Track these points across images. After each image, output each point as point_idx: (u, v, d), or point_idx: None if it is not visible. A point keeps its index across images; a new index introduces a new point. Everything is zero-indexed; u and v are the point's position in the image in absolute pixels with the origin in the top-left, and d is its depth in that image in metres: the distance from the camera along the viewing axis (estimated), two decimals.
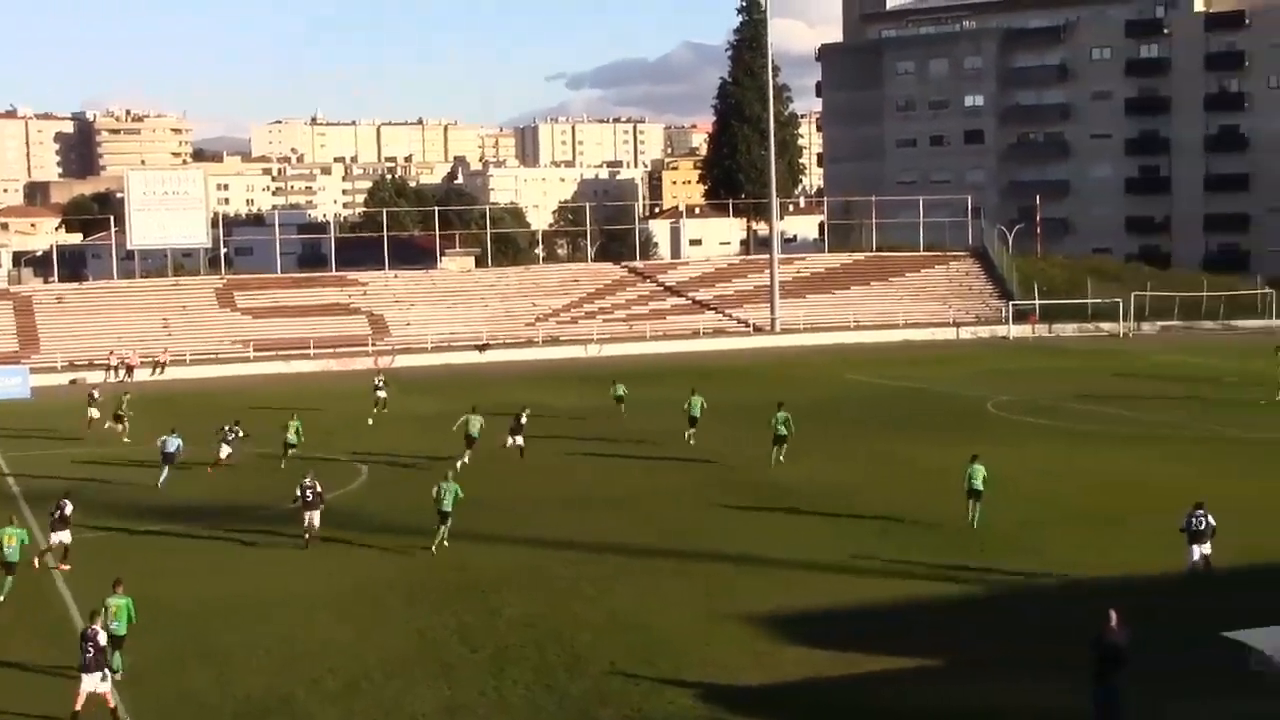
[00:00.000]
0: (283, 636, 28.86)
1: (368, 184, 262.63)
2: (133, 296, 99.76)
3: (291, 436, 49.99)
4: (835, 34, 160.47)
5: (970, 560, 33.93)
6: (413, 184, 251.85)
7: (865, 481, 44.35)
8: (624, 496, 43.10)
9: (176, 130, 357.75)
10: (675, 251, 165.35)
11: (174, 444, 47.29)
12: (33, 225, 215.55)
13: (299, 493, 37.72)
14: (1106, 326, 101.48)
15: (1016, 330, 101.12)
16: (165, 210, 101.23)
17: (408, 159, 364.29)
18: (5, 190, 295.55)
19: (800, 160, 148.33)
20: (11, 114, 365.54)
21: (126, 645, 26.14)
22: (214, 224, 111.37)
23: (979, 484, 37.56)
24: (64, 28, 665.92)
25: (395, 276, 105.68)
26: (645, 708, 24.30)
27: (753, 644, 27.69)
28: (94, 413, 61.52)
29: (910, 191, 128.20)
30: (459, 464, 46.70)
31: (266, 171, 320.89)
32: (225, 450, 49.25)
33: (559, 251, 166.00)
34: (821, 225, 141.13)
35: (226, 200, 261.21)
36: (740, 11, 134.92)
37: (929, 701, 24.53)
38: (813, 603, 30.67)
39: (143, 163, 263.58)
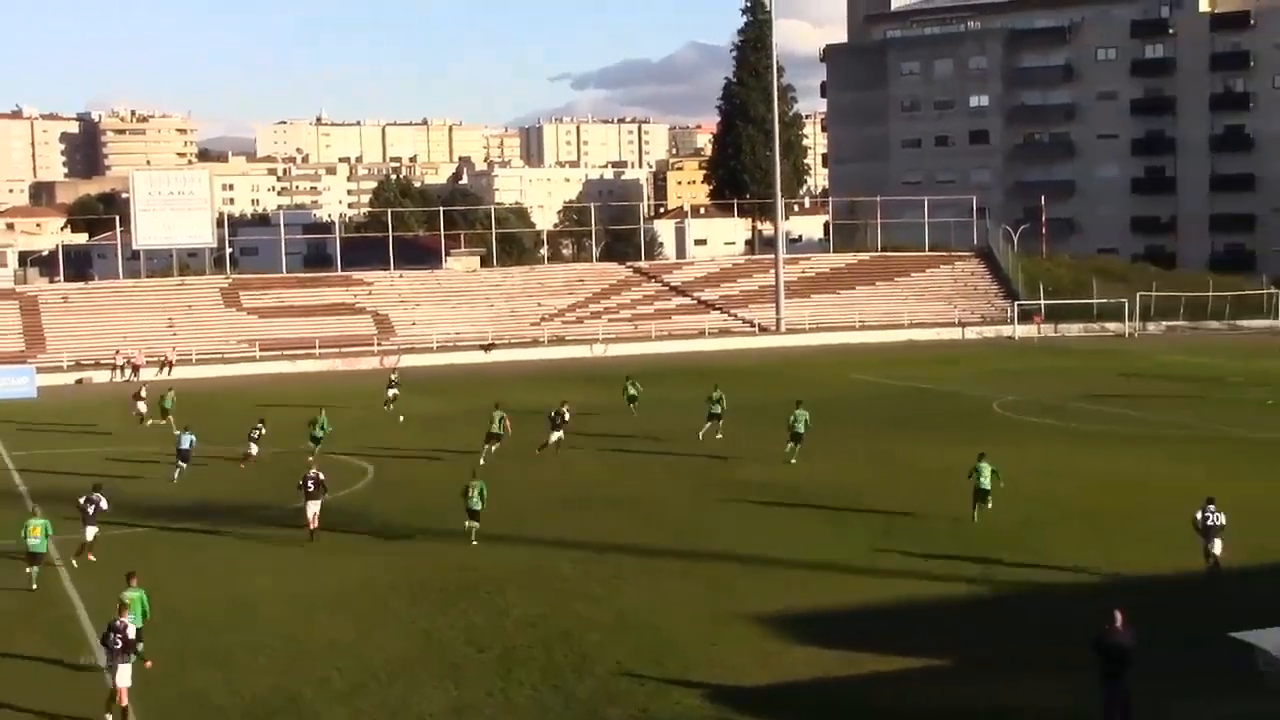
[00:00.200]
0: (288, 636, 28.87)
1: (373, 184, 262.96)
2: (138, 296, 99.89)
3: (319, 430, 51.34)
4: (840, 34, 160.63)
5: (976, 560, 33.91)
6: (418, 184, 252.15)
7: (871, 481, 44.34)
8: (630, 496, 43.10)
9: (181, 130, 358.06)
10: (680, 251, 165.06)
11: (187, 440, 47.93)
12: (38, 225, 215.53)
13: (301, 483, 38.00)
14: (1112, 326, 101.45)
15: (1022, 330, 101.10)
16: (170, 210, 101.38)
17: (413, 159, 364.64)
18: (11, 190, 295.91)
19: (805, 160, 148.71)
20: (17, 114, 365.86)
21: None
22: (219, 224, 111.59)
23: (985, 483, 37.87)
24: (69, 28, 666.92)
25: (400, 276, 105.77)
26: (652, 708, 24.30)
27: (759, 644, 27.69)
28: (142, 408, 62.60)
29: (915, 192, 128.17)
30: (481, 461, 47.74)
31: (271, 172, 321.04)
32: (254, 448, 49.72)
33: (564, 252, 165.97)
34: (826, 225, 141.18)
35: (231, 200, 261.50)
36: (745, 12, 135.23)
37: (935, 702, 24.52)
38: (819, 603, 30.67)
39: (148, 163, 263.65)
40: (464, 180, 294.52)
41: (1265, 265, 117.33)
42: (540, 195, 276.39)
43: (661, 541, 36.78)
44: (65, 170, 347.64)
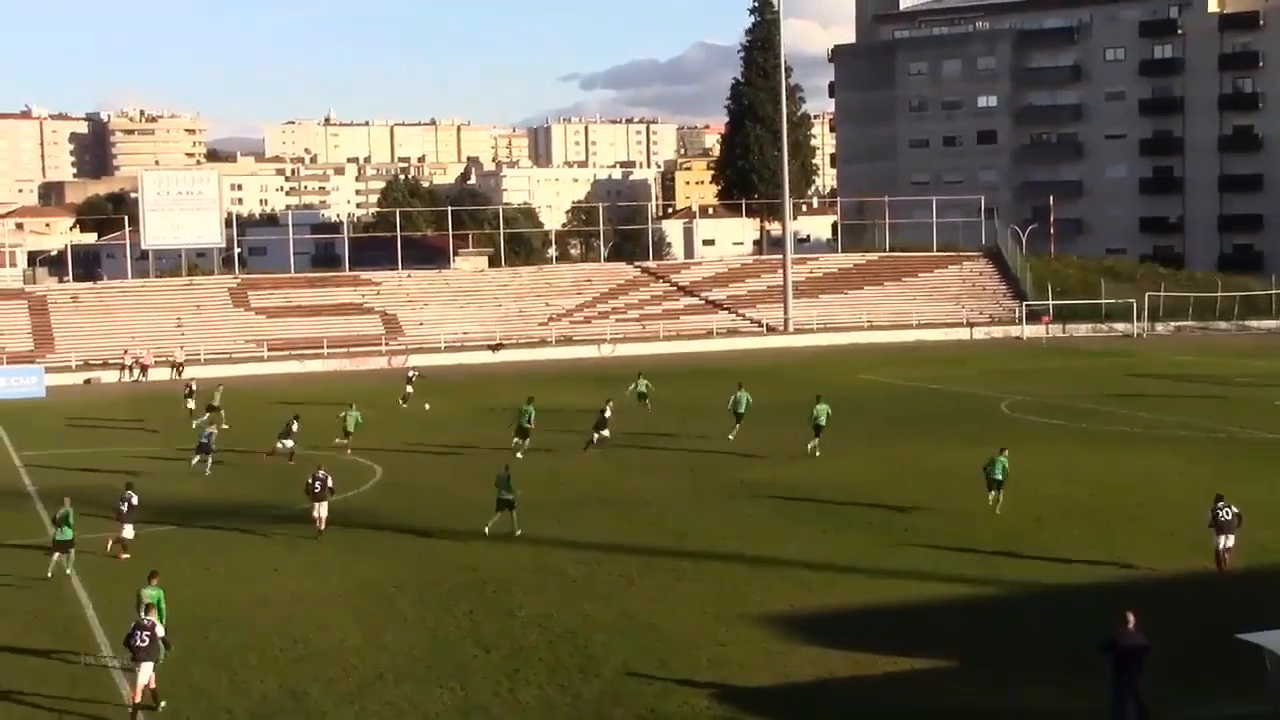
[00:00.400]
0: (295, 636, 28.92)
1: (381, 184, 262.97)
2: (147, 296, 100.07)
3: (350, 425, 52.58)
4: (848, 34, 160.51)
5: (982, 561, 33.92)
6: (426, 184, 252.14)
7: (878, 481, 44.31)
8: (635, 496, 43.11)
9: (190, 130, 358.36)
10: (688, 251, 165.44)
11: (211, 433, 49.84)
12: (47, 225, 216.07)
13: (309, 483, 38.59)
14: (1120, 327, 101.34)
15: (1030, 331, 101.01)
16: (179, 210, 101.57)
17: (421, 159, 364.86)
18: (20, 190, 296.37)
19: (813, 161, 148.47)
20: (26, 114, 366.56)
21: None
22: (228, 224, 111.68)
23: (998, 474, 38.71)
24: (78, 28, 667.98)
25: (409, 276, 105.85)
26: (659, 708, 24.32)
27: (765, 644, 27.71)
28: (192, 404, 63.49)
29: (923, 192, 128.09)
30: (518, 455, 48.94)
31: (280, 172, 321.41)
32: (285, 444, 50.18)
33: (572, 252, 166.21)
34: (835, 225, 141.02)
35: (240, 200, 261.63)
36: (753, 12, 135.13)
37: (941, 703, 24.52)
38: (825, 603, 30.69)
39: (157, 163, 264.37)
40: (472, 180, 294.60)
41: (1274, 266, 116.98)
42: (548, 195, 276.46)
43: (667, 542, 36.81)
44: (74, 170, 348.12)
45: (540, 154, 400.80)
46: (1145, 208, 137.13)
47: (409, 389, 67.22)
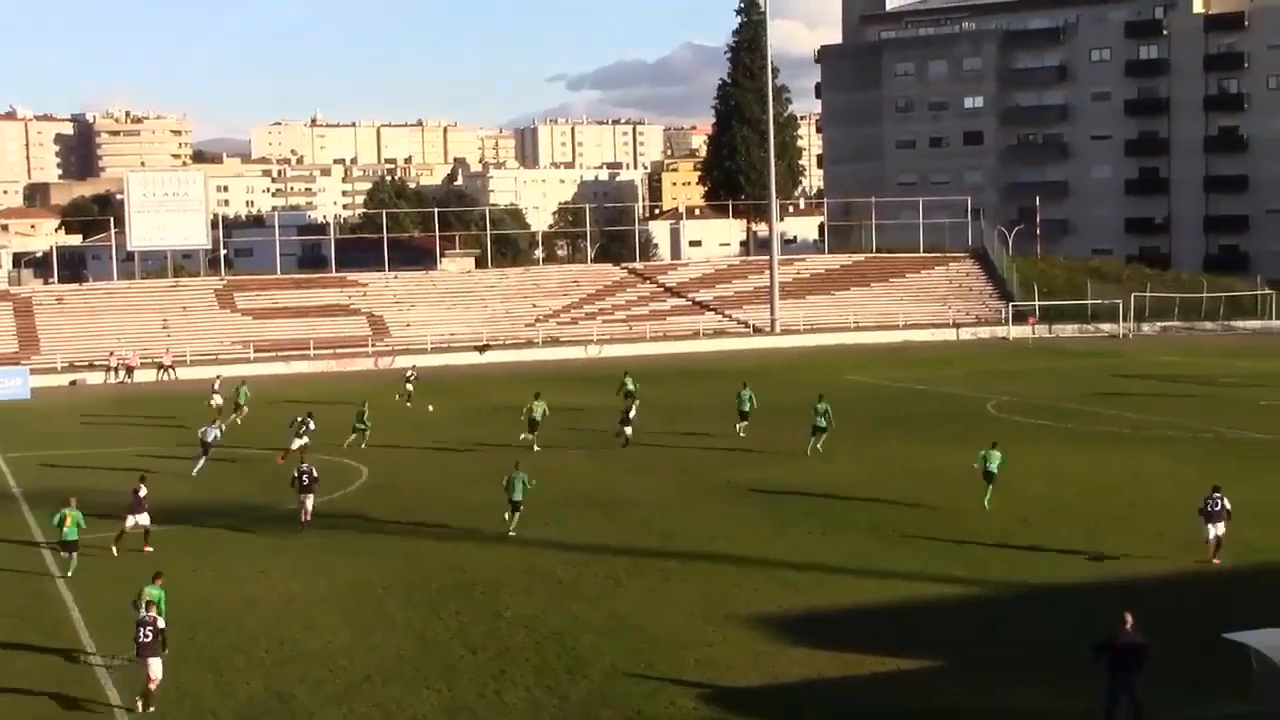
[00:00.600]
0: (282, 638, 28.86)
1: (367, 185, 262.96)
2: (132, 298, 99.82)
3: (361, 424, 53.50)
4: (835, 35, 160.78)
5: (971, 561, 33.96)
6: (412, 185, 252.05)
7: (865, 482, 44.32)
8: (623, 497, 43.08)
9: (176, 132, 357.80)
10: (675, 252, 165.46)
11: (213, 434, 49.51)
12: (32, 227, 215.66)
13: (295, 477, 39.12)
14: (1106, 327, 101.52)
15: (1016, 331, 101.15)
16: (165, 212, 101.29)
17: (407, 160, 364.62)
18: (5, 192, 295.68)
19: (800, 161, 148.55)
20: (11, 115, 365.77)
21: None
22: (214, 225, 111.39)
23: (993, 467, 39.40)
24: (64, 29, 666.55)
25: (395, 278, 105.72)
26: (646, 709, 24.29)
27: (753, 645, 27.70)
28: (217, 400, 63.89)
29: (910, 193, 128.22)
30: (535, 447, 50.54)
31: (266, 173, 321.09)
32: (299, 442, 50.15)
33: (559, 253, 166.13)
34: (821, 226, 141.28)
35: (226, 202, 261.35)
36: (740, 13, 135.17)
37: (930, 703, 24.54)
38: (813, 604, 30.69)
39: (142, 164, 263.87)
40: (459, 181, 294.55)
41: (1259, 266, 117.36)
42: (535, 196, 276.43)
43: (655, 542, 36.79)
44: (59, 172, 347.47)
45: (527, 155, 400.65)
46: (1131, 208, 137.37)
47: (409, 388, 67.60)
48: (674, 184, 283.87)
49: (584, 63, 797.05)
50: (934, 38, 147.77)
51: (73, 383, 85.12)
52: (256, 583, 33.50)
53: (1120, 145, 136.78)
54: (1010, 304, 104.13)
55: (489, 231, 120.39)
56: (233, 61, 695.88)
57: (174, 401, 71.90)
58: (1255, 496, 37.50)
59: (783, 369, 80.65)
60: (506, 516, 37.98)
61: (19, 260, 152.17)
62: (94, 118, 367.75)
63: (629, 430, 52.59)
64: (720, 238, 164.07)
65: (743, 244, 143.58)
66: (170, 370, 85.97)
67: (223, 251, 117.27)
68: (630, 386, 62.63)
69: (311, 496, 39.15)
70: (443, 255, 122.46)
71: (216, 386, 66.14)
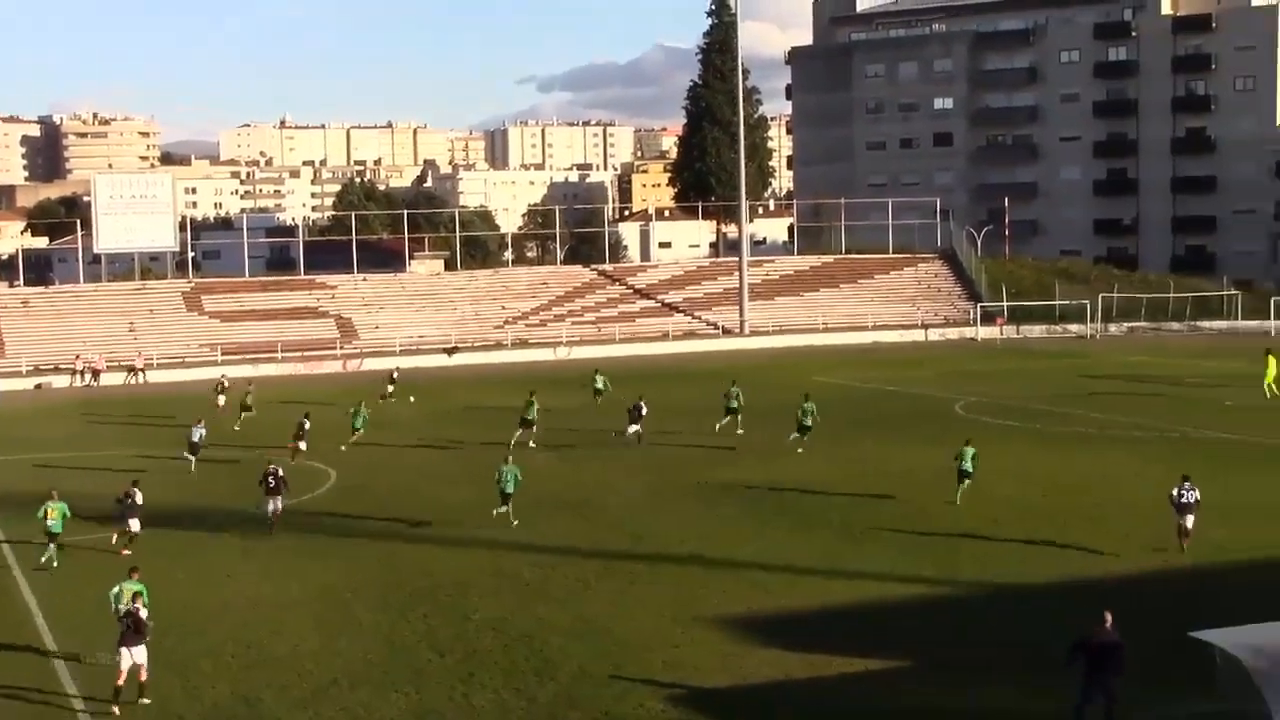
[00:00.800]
0: (250, 642, 28.70)
1: (336, 187, 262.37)
2: (99, 300, 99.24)
3: (358, 422, 53.77)
4: (805, 37, 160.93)
5: (940, 561, 34.00)
6: (382, 187, 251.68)
7: (834, 482, 44.31)
8: (592, 498, 43.00)
9: (144, 134, 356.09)
10: (645, 254, 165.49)
11: (198, 434, 49.86)
12: None
13: (263, 479, 39.26)
14: (1074, 328, 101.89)
15: (985, 332, 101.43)
16: (132, 214, 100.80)
17: (377, 162, 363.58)
18: None
19: (770, 163, 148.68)
20: None
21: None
22: (182, 228, 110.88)
23: (968, 465, 39.99)
24: (30, 30, 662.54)
25: (364, 280, 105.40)
26: (614, 711, 24.24)
27: (722, 646, 27.66)
28: (222, 399, 64.82)
29: (879, 194, 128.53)
30: (530, 444, 50.88)
31: (235, 175, 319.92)
32: (301, 445, 50.51)
33: (528, 254, 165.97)
34: (791, 228, 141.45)
35: (194, 204, 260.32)
36: (710, 14, 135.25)
37: (899, 703, 24.55)
38: (781, 605, 30.68)
39: (110, 166, 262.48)
40: (428, 183, 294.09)
41: (1225, 267, 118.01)
42: (505, 198, 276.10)
43: (623, 544, 36.73)
44: (26, 174, 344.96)
45: (497, 157, 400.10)
46: (1099, 209, 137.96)
47: (390, 388, 67.79)
48: (644, 185, 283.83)
49: (555, 64, 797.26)
50: (904, 39, 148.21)
51: (38, 386, 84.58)
52: (225, 586, 33.32)
53: (1089, 146, 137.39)
54: (979, 305, 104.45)
55: (458, 233, 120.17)
56: (201, 63, 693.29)
57: (142, 404, 71.63)
58: (1222, 496, 37.63)
59: (752, 371, 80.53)
60: (496, 513, 38.41)
61: None
62: (61, 119, 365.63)
63: (638, 428, 52.55)
64: (690, 239, 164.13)
65: (712, 245, 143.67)
66: (141, 374, 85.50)
67: (190, 254, 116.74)
68: (600, 385, 62.86)
69: (279, 498, 39.24)
70: (412, 257, 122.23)
71: (224, 386, 67.23)
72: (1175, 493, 34.08)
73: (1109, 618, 23.02)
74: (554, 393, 68.08)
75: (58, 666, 27.37)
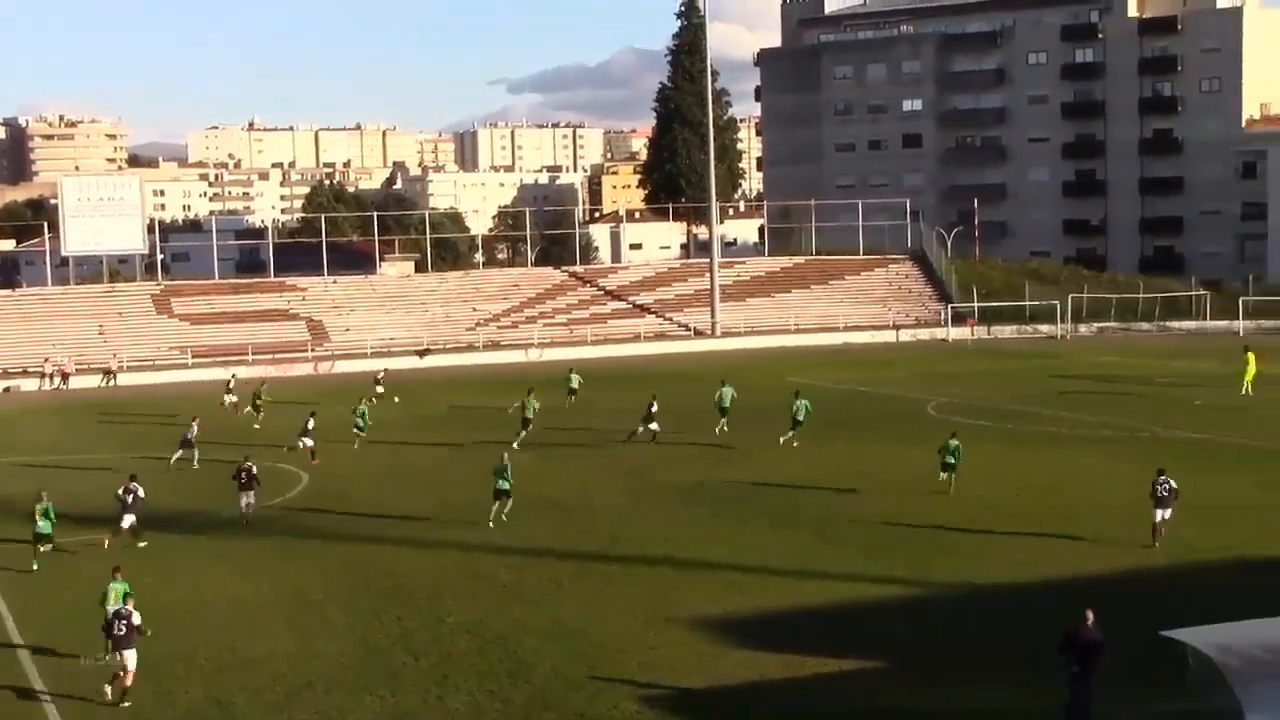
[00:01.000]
0: (223, 645, 28.60)
1: (306, 189, 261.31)
2: (68, 304, 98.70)
3: (361, 421, 54.40)
4: (774, 39, 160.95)
5: (913, 562, 34.11)
6: (351, 189, 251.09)
7: (808, 483, 44.39)
8: (566, 499, 42.96)
9: (111, 136, 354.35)
10: (615, 255, 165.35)
11: (192, 431, 50.72)
12: None
13: (236, 474, 39.92)
14: (1044, 328, 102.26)
15: (955, 333, 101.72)
16: (101, 216, 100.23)
17: (346, 164, 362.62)
18: None
19: (740, 164, 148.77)
20: None
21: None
22: (150, 230, 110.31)
23: (951, 459, 41.23)
24: None
25: (334, 282, 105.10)
26: (589, 712, 24.25)
27: (697, 647, 27.70)
28: (231, 398, 65.59)
29: (849, 195, 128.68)
30: (514, 444, 50.58)
31: (203, 177, 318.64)
32: (308, 440, 50.95)
33: (499, 256, 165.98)
34: (761, 229, 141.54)
35: (163, 206, 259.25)
36: (680, 16, 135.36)
37: (873, 703, 24.63)
38: (756, 606, 30.72)
39: (77, 169, 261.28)
40: (398, 185, 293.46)
41: (1193, 268, 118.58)
42: (475, 200, 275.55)
43: (598, 545, 36.73)
44: None
45: (467, 159, 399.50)
46: (1068, 210, 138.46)
47: (379, 389, 67.81)
48: (614, 187, 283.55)
49: (524, 66, 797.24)
50: (872, 41, 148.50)
51: (6, 389, 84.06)
52: (198, 589, 33.21)
53: (1057, 148, 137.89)
54: (949, 306, 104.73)
55: (428, 235, 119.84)
56: (168, 66, 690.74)
57: (112, 407, 71.29)
58: (1192, 496, 37.80)
59: (724, 372, 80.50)
60: (496, 506, 38.95)
61: None
62: (27, 121, 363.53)
63: (654, 426, 52.71)
64: (660, 241, 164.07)
65: (683, 247, 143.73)
66: (113, 376, 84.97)
67: (159, 256, 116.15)
68: (574, 385, 63.03)
69: (252, 494, 39.88)
70: (382, 259, 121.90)
71: (231, 385, 67.85)
72: (1153, 486, 34.78)
73: (1090, 616, 23.16)
74: (522, 395, 68.01)
75: (22, 657, 27.30)
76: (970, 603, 30.77)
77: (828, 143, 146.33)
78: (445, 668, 26.81)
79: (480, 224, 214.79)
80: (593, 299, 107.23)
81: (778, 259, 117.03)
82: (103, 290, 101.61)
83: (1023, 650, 26.63)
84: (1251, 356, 64.72)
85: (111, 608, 26.31)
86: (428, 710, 24.62)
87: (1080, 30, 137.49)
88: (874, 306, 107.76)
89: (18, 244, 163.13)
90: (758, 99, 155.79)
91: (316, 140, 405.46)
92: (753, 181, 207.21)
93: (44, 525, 35.50)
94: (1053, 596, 30.38)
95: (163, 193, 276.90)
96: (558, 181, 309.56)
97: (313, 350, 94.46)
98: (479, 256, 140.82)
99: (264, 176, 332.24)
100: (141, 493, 37.76)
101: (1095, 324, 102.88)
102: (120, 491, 37.77)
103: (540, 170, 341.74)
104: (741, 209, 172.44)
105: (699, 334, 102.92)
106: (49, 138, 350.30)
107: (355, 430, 54.26)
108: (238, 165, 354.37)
